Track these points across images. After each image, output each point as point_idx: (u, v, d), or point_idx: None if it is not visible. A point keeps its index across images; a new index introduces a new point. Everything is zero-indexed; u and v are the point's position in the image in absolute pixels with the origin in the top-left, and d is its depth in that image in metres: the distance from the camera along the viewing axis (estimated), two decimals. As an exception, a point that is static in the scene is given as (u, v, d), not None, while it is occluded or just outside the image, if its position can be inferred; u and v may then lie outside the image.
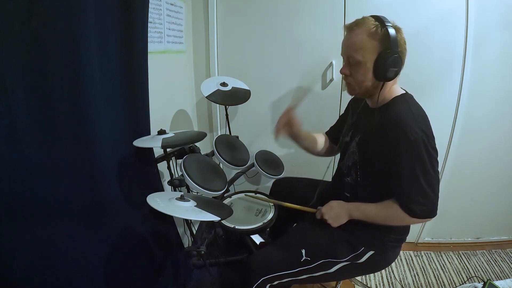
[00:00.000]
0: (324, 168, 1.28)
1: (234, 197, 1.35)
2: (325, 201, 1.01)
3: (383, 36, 0.82)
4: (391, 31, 0.81)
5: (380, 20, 0.84)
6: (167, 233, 1.28)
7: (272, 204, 1.24)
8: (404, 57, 0.86)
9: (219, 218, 0.81)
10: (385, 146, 0.84)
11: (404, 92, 0.94)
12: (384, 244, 0.95)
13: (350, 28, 0.88)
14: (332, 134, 1.23)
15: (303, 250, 0.95)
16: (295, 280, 0.96)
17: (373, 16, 0.86)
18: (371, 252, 0.95)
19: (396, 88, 0.93)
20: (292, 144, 1.65)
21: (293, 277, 0.95)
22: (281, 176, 1.39)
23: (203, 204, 0.85)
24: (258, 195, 1.31)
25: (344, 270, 0.95)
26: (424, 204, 0.82)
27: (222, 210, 0.90)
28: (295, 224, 1.22)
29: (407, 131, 0.79)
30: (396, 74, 0.85)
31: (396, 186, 0.84)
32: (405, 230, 0.99)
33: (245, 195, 1.33)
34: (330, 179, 1.20)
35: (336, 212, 0.95)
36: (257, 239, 1.24)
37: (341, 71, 0.93)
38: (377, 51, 0.83)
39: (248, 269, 0.95)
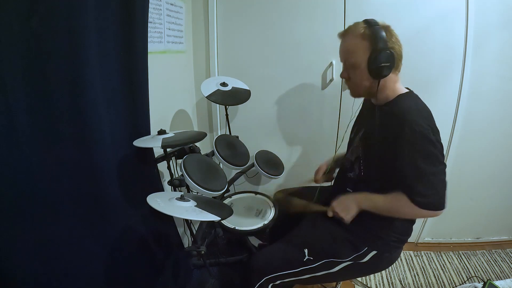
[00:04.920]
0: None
1: (234, 197, 1.35)
2: (327, 197, 1.01)
3: (372, 36, 0.85)
4: (379, 29, 0.84)
5: (368, 22, 0.87)
6: (167, 233, 1.28)
7: (273, 204, 1.24)
8: (398, 52, 0.88)
9: (219, 218, 0.81)
10: (389, 139, 0.85)
11: (409, 91, 0.94)
12: (387, 244, 0.95)
13: (343, 35, 0.93)
14: None
15: (306, 249, 0.95)
16: (298, 280, 0.96)
17: (363, 20, 0.89)
18: (374, 252, 0.95)
19: (399, 86, 0.94)
20: (291, 143, 1.68)
21: (295, 276, 0.95)
22: (281, 176, 1.39)
23: (203, 204, 0.85)
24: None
25: (347, 270, 0.95)
26: (428, 196, 0.81)
27: (222, 210, 0.90)
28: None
29: (412, 124, 0.80)
30: (391, 69, 0.86)
31: (400, 179, 0.84)
32: (408, 231, 0.99)
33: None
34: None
35: (345, 204, 0.93)
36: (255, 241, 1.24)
37: (341, 76, 0.97)
38: (368, 51, 0.86)
39: (250, 268, 0.96)
